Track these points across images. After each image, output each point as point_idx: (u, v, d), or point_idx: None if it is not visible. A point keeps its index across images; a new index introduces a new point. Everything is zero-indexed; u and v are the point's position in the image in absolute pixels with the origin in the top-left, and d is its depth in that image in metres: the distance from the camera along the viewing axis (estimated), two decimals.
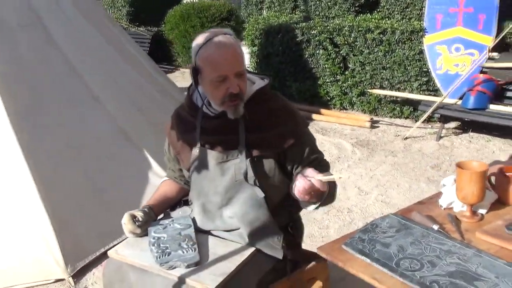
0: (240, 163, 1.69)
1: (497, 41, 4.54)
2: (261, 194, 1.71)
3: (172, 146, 1.91)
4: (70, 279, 2.77)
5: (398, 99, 5.32)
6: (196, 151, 1.76)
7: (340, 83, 5.69)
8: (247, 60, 6.77)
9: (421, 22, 5.09)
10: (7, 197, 2.97)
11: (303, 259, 1.88)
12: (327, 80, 5.80)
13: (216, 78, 1.61)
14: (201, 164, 1.77)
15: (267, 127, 1.72)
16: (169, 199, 2.00)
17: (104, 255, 3.06)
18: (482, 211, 1.66)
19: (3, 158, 3.03)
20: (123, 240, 2.99)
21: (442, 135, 4.83)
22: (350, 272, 1.41)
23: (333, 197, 1.78)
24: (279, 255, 1.73)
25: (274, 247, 1.73)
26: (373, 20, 5.37)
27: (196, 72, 1.67)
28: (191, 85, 1.83)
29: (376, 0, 5.96)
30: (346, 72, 5.62)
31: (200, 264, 1.64)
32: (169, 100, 4.45)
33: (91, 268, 2.96)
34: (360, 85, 5.53)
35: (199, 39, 1.65)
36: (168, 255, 1.66)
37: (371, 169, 4.26)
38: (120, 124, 3.68)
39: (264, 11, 7.36)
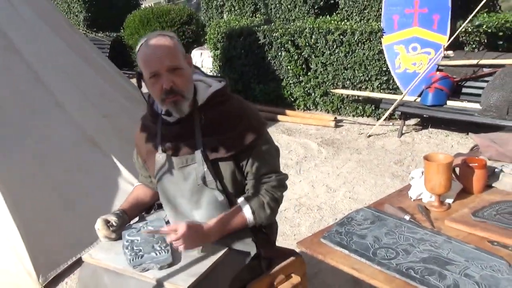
0: (198, 167, 1.72)
1: (451, 40, 4.73)
2: (220, 197, 1.74)
3: (139, 155, 1.95)
4: None
5: (360, 98, 5.46)
6: (159, 157, 1.79)
7: (303, 84, 5.79)
8: (210, 64, 6.79)
9: (379, 23, 5.25)
10: None
11: (277, 256, 1.91)
12: (290, 82, 5.89)
13: (149, 75, 1.65)
14: (165, 170, 1.80)
15: (222, 129, 1.72)
16: (142, 202, 2.02)
17: (76, 264, 3.03)
18: (449, 200, 1.75)
19: None
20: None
21: (403, 131, 5.00)
22: (331, 264, 1.46)
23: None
24: (252, 250, 1.75)
25: (246, 243, 1.76)
26: (333, 22, 5.50)
27: (140, 76, 1.71)
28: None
29: (334, 2, 6.09)
30: (309, 73, 5.73)
31: (173, 265, 1.66)
32: (135, 106, 4.42)
33: (63, 278, 2.92)
34: (322, 86, 5.65)
35: (139, 42, 1.70)
36: (141, 258, 1.67)
37: (337, 167, 4.36)
38: (87, 131, 3.64)
39: (225, 14, 7.40)
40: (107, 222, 1.82)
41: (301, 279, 1.98)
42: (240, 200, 1.76)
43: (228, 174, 1.75)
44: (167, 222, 1.89)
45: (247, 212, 1.73)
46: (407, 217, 1.63)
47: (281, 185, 1.81)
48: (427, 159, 1.70)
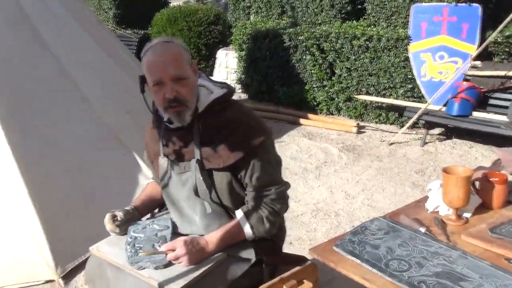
0: (192, 176, 1.72)
1: (480, 50, 4.65)
2: (209, 209, 1.73)
3: (148, 154, 1.98)
4: (60, 280, 2.79)
5: (384, 105, 5.41)
6: (161, 160, 1.81)
7: (327, 88, 5.76)
8: (234, 64, 6.82)
9: (406, 30, 5.19)
10: None
11: (284, 263, 1.88)
12: (314, 86, 5.87)
13: (153, 83, 1.63)
14: (167, 174, 1.81)
15: (220, 138, 1.69)
16: (154, 199, 2.04)
17: None
18: (467, 214, 1.72)
19: None
20: None
21: (426, 141, 4.93)
22: (342, 273, 1.45)
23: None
24: (251, 255, 1.74)
25: (245, 249, 1.75)
26: (359, 27, 5.46)
27: (143, 80, 1.69)
28: None
29: (362, 8, 6.05)
30: (333, 78, 5.70)
31: (168, 266, 1.67)
32: None
33: (80, 270, 2.96)
34: (346, 91, 5.61)
35: (144, 48, 1.68)
36: (139, 255, 1.69)
37: (357, 173, 4.33)
38: (109, 126, 3.69)
39: (251, 16, 7.42)
40: (113, 216, 1.86)
41: (313, 286, 1.97)
42: (239, 214, 1.74)
43: (224, 184, 1.72)
44: (173, 222, 1.91)
45: (246, 227, 1.73)
46: (422, 229, 1.61)
47: (281, 197, 1.78)
48: (446, 171, 1.67)
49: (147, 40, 8.46)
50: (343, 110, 5.77)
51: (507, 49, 4.87)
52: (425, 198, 1.87)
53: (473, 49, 4.82)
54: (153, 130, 1.87)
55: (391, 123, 5.50)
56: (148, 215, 2.06)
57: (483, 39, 4.83)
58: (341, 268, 1.45)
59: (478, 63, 4.58)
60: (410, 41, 5.07)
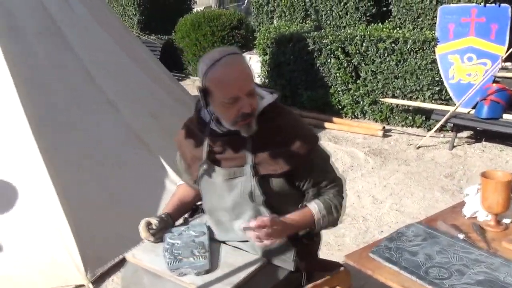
0: (246, 181, 1.70)
1: (510, 51, 4.54)
2: (266, 214, 1.71)
3: (183, 158, 1.94)
4: (90, 284, 2.81)
5: (410, 108, 5.33)
6: (204, 167, 1.78)
7: (352, 92, 5.71)
8: (258, 69, 6.81)
9: (433, 31, 5.11)
10: (28, 203, 3.01)
11: (320, 269, 1.87)
12: (339, 89, 5.82)
13: (228, 100, 1.58)
14: (209, 180, 1.79)
15: (275, 145, 1.68)
16: (185, 204, 2.03)
17: (122, 261, 3.10)
18: (507, 220, 1.68)
19: (24, 163, 3.08)
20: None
21: (455, 144, 4.83)
22: (379, 280, 1.42)
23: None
24: (290, 267, 1.73)
25: (285, 260, 1.73)
26: (384, 29, 5.40)
27: (205, 94, 1.63)
28: (198, 100, 1.80)
29: (387, 10, 5.98)
30: (358, 81, 5.64)
31: (210, 272, 1.66)
32: (183, 107, 4.50)
33: (110, 274, 2.99)
34: (372, 94, 5.55)
35: (206, 60, 1.61)
36: (179, 262, 1.69)
37: (384, 177, 4.27)
38: (135, 130, 3.73)
39: (275, 20, 7.41)
40: (148, 224, 1.85)
41: None
42: (309, 202, 1.74)
43: (278, 189, 1.72)
44: (208, 227, 1.90)
45: (316, 215, 1.71)
46: (461, 236, 1.57)
47: (342, 191, 1.80)
48: (485, 176, 1.63)
49: (171, 45, 8.47)
50: (368, 114, 5.71)
51: None
52: (462, 204, 1.83)
53: (502, 50, 4.72)
54: (189, 134, 1.85)
55: (418, 127, 5.41)
56: (180, 220, 2.05)
57: None
58: (378, 275, 1.42)
59: (509, 64, 4.48)
60: (438, 43, 4.98)
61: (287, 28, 6.41)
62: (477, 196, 1.73)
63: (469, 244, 1.53)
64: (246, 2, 14.87)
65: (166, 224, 1.90)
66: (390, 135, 5.32)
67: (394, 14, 5.76)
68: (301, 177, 1.72)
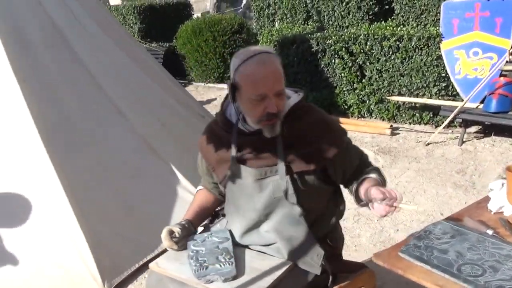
0: (279, 180, 1.69)
1: None
2: (299, 212, 1.72)
3: (206, 161, 1.90)
4: None
5: (417, 105, 5.32)
6: (232, 167, 1.76)
7: (358, 91, 5.70)
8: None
9: (437, 28, 5.10)
10: (42, 215, 3.00)
11: (345, 270, 1.87)
12: (344, 89, 5.82)
13: (255, 96, 1.59)
14: (238, 181, 1.77)
15: (306, 142, 1.70)
16: (206, 209, 2.01)
17: (138, 271, 3.09)
18: None
19: (36, 176, 3.07)
20: (159, 254, 3.04)
21: (464, 139, 4.81)
22: (412, 279, 1.40)
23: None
24: (317, 271, 1.71)
25: (311, 264, 1.72)
26: (388, 27, 5.39)
27: (234, 89, 1.64)
28: (224, 100, 1.83)
29: (389, 8, 5.98)
30: (363, 80, 5.64)
31: (237, 278, 1.65)
32: (192, 114, 4.50)
33: (127, 284, 2.98)
34: (378, 93, 5.54)
35: (240, 55, 1.63)
36: (205, 269, 1.67)
37: (395, 176, 4.25)
38: (146, 139, 3.72)
39: (276, 23, 7.42)
40: (171, 232, 1.83)
41: None
42: (369, 174, 1.77)
43: (309, 186, 1.72)
44: (230, 232, 1.88)
45: (380, 178, 1.76)
46: (490, 232, 1.56)
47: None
48: (510, 170, 1.61)
49: (173, 52, 8.48)
50: (375, 112, 5.70)
51: None
52: (486, 199, 1.81)
53: (508, 44, 4.70)
54: (214, 135, 1.84)
55: (426, 123, 5.40)
56: (200, 228, 2.04)
57: None
58: (410, 275, 1.41)
59: None
60: (442, 39, 4.98)
61: (289, 30, 6.41)
62: (502, 191, 1.71)
63: (499, 240, 1.51)
64: (242, 6, 14.92)
65: (188, 231, 1.88)
66: (398, 133, 5.31)
67: (397, 11, 5.76)
68: (339, 168, 1.77)
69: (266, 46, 1.71)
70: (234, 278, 1.65)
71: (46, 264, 2.90)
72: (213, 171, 1.89)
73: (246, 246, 1.84)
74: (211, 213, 2.05)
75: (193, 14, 11.36)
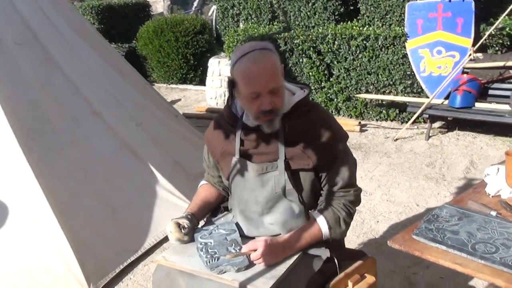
0: (279, 175, 1.71)
1: (480, 42, 4.76)
2: (297, 209, 1.74)
3: (212, 154, 1.92)
4: None
5: (384, 102, 5.49)
6: (235, 161, 1.78)
7: (326, 89, 5.81)
8: (229, 72, 6.81)
9: (402, 27, 5.29)
10: (23, 220, 2.90)
11: (347, 258, 1.92)
12: (312, 88, 5.92)
13: (249, 94, 1.60)
14: (241, 174, 1.79)
15: (306, 140, 1.70)
16: (208, 204, 2.01)
17: (123, 272, 3.03)
18: None
19: (15, 180, 2.96)
20: (143, 254, 3.00)
21: (430, 134, 5.01)
22: (429, 260, 1.46)
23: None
24: (326, 254, 1.75)
25: (319, 248, 1.76)
26: (355, 27, 5.53)
27: (232, 85, 1.66)
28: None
29: (354, 9, 6.13)
30: (331, 79, 5.75)
31: (249, 268, 1.66)
32: (165, 114, 4.45)
33: (112, 286, 2.92)
34: (345, 91, 5.67)
35: (237, 52, 1.63)
36: (217, 260, 1.67)
37: (369, 170, 4.37)
38: (124, 140, 3.65)
39: (241, 23, 7.44)
40: (179, 225, 1.82)
41: (375, 278, 1.98)
42: (317, 214, 1.75)
43: (307, 184, 1.74)
44: (236, 224, 1.89)
45: (324, 228, 1.73)
46: (493, 213, 1.64)
47: (358, 200, 1.81)
48: (510, 154, 1.71)
49: (133, 53, 8.29)
50: (343, 110, 5.83)
51: (500, 41, 5.00)
52: (482, 184, 1.90)
53: (468, 43, 4.94)
54: (220, 129, 1.84)
55: (392, 120, 5.58)
56: (202, 221, 2.03)
57: (477, 32, 4.96)
58: (428, 255, 1.46)
59: (479, 55, 4.68)
60: (407, 38, 5.16)
61: (255, 30, 6.44)
62: (498, 175, 1.81)
63: (504, 220, 1.60)
64: (193, 8, 14.89)
65: (193, 224, 1.87)
66: (367, 130, 5.45)
67: (362, 12, 5.91)
68: (324, 173, 1.74)
69: (265, 42, 1.69)
70: (247, 267, 1.66)
71: (30, 269, 2.80)
72: (217, 164, 1.90)
73: (253, 238, 1.85)
74: (213, 208, 2.05)
75: (153, 15, 11.22)
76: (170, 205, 3.52)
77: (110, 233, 3.17)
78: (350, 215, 1.78)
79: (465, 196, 1.84)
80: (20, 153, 2.98)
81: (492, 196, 1.81)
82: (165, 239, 3.34)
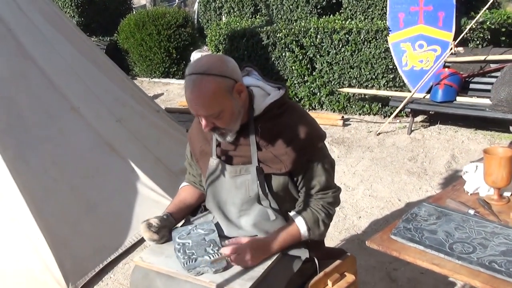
0: (251, 182, 1.69)
1: (462, 36, 4.77)
2: (272, 216, 1.72)
3: (193, 153, 1.91)
4: None
5: (367, 96, 5.49)
6: (212, 162, 1.77)
7: (308, 84, 5.80)
8: None
9: (384, 21, 5.28)
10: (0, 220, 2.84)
11: (328, 257, 1.90)
12: (295, 82, 5.90)
13: (192, 113, 1.61)
14: (218, 175, 1.77)
15: (279, 143, 1.66)
16: (188, 205, 1.99)
17: (103, 271, 2.99)
18: (507, 193, 1.76)
19: None
20: (123, 253, 2.96)
21: (412, 128, 5.02)
22: (407, 260, 1.45)
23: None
24: (305, 254, 1.74)
25: (298, 248, 1.75)
26: (337, 21, 5.51)
27: None
28: None
29: (336, 2, 6.11)
30: (314, 73, 5.73)
31: (227, 269, 1.64)
32: (146, 109, 4.39)
33: (92, 285, 2.88)
34: (328, 85, 5.66)
35: (188, 67, 1.59)
36: (195, 261, 1.65)
37: (351, 165, 4.37)
38: (102, 136, 3.59)
39: (223, 16, 7.38)
40: (149, 225, 1.79)
41: (355, 277, 1.98)
42: (295, 216, 1.73)
43: (281, 188, 1.71)
44: (216, 224, 1.87)
45: (302, 229, 1.71)
46: (471, 212, 1.63)
47: (337, 201, 1.79)
48: (487, 152, 1.70)
49: (114, 46, 8.15)
50: (326, 104, 5.82)
51: (481, 35, 5.02)
52: (460, 182, 1.90)
53: (450, 36, 4.96)
54: (199, 128, 1.80)
55: (375, 114, 5.59)
56: (182, 221, 2.00)
57: (458, 26, 4.97)
58: (405, 256, 1.45)
59: (460, 49, 4.71)
60: (389, 32, 5.16)
61: (238, 23, 6.39)
62: (477, 173, 1.80)
63: (481, 218, 1.59)
64: (177, 0, 14.75)
65: (168, 223, 1.85)
66: (349, 124, 5.46)
67: (344, 5, 5.89)
68: (300, 176, 1.71)
69: (206, 64, 1.60)
70: (225, 269, 1.63)
71: (6, 269, 2.74)
72: (197, 162, 1.89)
73: (233, 238, 1.83)
74: (193, 209, 2.02)
75: (133, 8, 11.07)
76: (151, 203, 3.48)
77: (88, 231, 3.12)
78: (329, 216, 1.76)
79: (444, 194, 1.84)
80: None
81: (470, 194, 1.80)
82: None
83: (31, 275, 2.78)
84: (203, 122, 1.59)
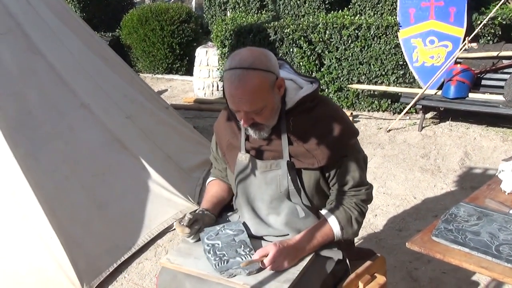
0: (282, 177, 1.64)
1: (475, 32, 4.71)
2: (302, 213, 1.67)
3: (219, 146, 1.85)
4: None
5: (376, 92, 5.43)
6: (241, 156, 1.71)
7: None
8: (216, 62, 6.69)
9: (394, 17, 5.21)
10: (12, 218, 2.77)
11: (358, 257, 1.85)
12: None
13: (231, 107, 1.57)
14: (247, 170, 1.71)
15: (311, 138, 1.61)
16: (221, 199, 1.92)
17: (117, 270, 2.93)
18: None
19: (2, 176, 2.82)
20: (136, 252, 2.90)
21: (423, 125, 4.97)
22: (452, 263, 1.40)
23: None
24: (338, 255, 1.69)
25: (331, 249, 1.70)
26: (346, 16, 5.44)
27: None
28: None
29: None
30: (322, 69, 5.66)
31: (261, 271, 1.58)
32: (155, 106, 4.32)
33: (106, 285, 2.82)
34: (337, 81, 5.59)
35: (228, 61, 1.54)
36: (226, 263, 1.59)
37: None
38: (113, 133, 3.52)
39: (228, 12, 7.29)
40: (180, 219, 1.74)
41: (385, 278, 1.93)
42: (328, 214, 1.67)
43: (312, 183, 1.66)
44: (244, 224, 1.80)
45: (335, 228, 1.66)
46: None
47: (370, 199, 1.74)
48: None
49: (117, 42, 8.06)
50: (334, 101, 5.74)
51: (492, 31, 4.96)
52: (495, 181, 1.85)
53: (461, 32, 4.90)
54: (227, 120, 1.76)
55: (384, 110, 5.52)
56: None
57: (469, 21, 4.92)
58: (450, 258, 1.40)
59: (474, 45, 4.64)
60: (400, 28, 5.09)
61: (244, 19, 6.31)
62: None
63: None
64: None
65: (203, 217, 1.78)
66: (359, 121, 5.40)
67: (353, 1, 5.82)
68: (332, 172, 1.66)
69: (250, 58, 1.56)
70: (259, 271, 1.58)
71: (19, 269, 2.69)
72: (223, 156, 1.84)
73: (261, 238, 1.77)
74: (227, 202, 1.95)
75: (136, 3, 10.97)
76: (163, 201, 3.43)
77: (100, 229, 3.06)
78: (362, 214, 1.70)
79: (480, 194, 1.78)
80: (7, 149, 2.84)
81: (508, 193, 1.75)
82: (159, 235, 3.25)
83: (45, 275, 2.72)
84: (243, 117, 1.54)
